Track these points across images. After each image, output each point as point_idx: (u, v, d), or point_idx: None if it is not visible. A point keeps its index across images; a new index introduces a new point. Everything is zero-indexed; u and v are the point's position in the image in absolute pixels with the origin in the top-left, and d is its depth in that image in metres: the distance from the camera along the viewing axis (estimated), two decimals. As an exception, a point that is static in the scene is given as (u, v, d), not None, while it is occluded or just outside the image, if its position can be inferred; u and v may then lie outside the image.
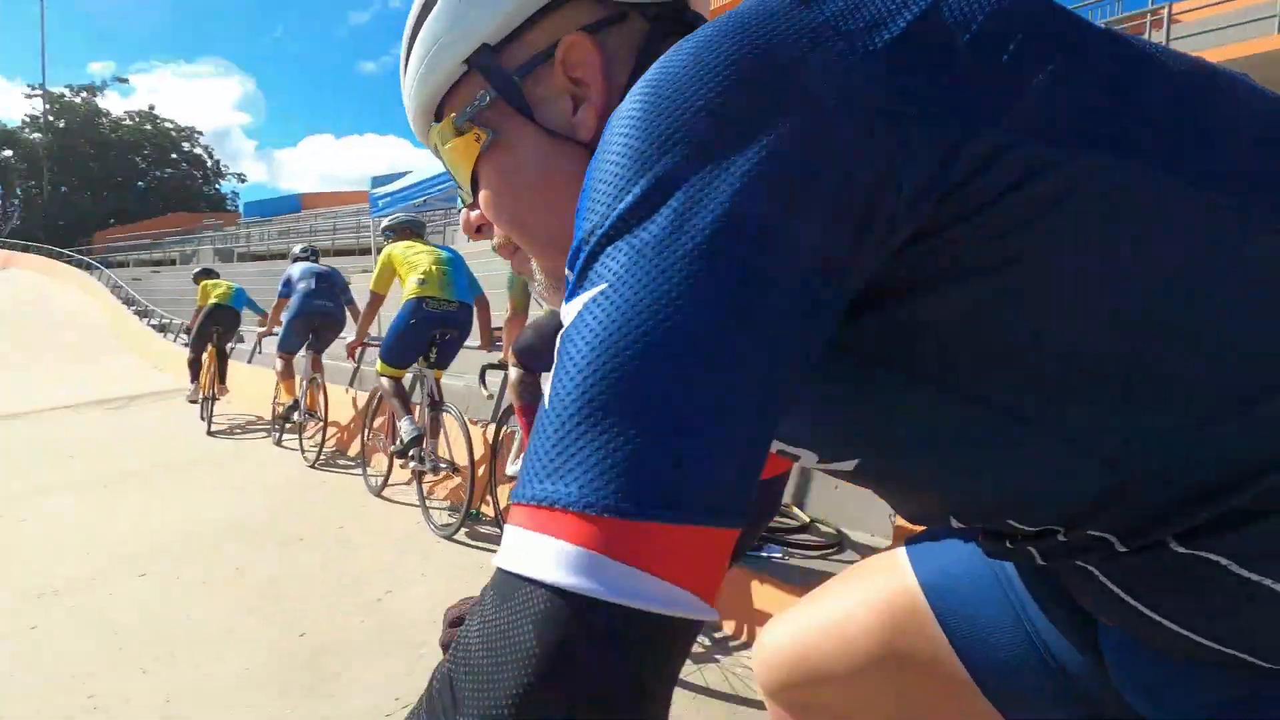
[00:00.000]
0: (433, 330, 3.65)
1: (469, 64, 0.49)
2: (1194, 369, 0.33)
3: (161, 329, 15.76)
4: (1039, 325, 0.33)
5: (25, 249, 30.97)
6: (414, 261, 3.74)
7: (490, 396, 3.20)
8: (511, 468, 2.93)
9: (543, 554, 0.28)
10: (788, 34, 0.32)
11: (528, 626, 0.27)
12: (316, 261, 6.09)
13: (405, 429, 3.62)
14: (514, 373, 2.82)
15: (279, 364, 5.54)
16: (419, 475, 3.86)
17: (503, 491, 3.57)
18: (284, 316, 5.45)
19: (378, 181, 30.64)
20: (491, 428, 3.60)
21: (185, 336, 8.16)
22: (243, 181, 61.58)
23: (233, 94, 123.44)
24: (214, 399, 6.81)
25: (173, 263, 30.21)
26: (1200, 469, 0.34)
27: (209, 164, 57.67)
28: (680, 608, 0.28)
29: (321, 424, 5.33)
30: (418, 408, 3.79)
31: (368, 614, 2.80)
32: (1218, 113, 0.35)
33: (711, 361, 0.28)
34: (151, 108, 57.03)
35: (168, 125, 55.24)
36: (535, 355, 2.78)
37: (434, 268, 3.72)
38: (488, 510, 3.74)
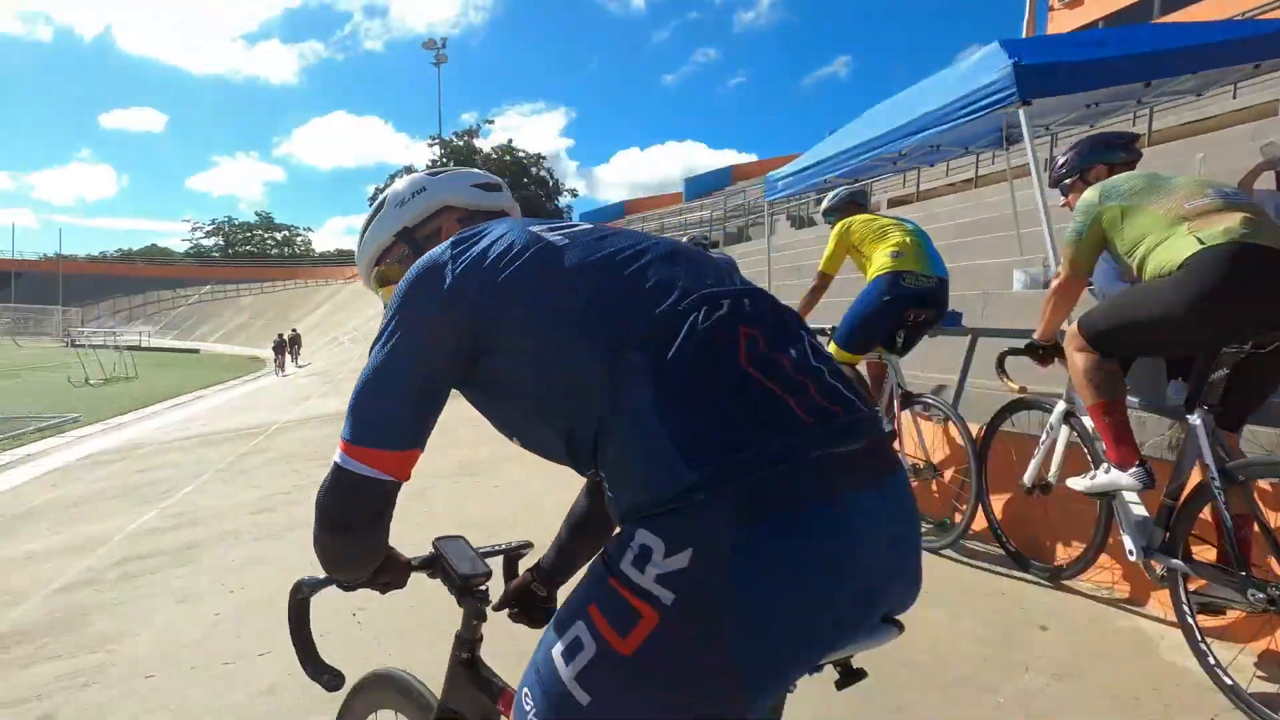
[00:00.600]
0: (907, 310, 3.20)
1: (396, 237, 1.14)
2: (567, 404, 0.79)
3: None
4: (516, 376, 0.83)
5: (432, 264, 39.43)
6: (882, 234, 3.33)
7: (1022, 390, 2.62)
8: (1081, 482, 2.32)
9: (337, 453, 0.84)
10: (438, 259, 0.86)
11: (330, 474, 0.85)
12: (711, 250, 6.17)
13: (873, 423, 3.23)
14: (1082, 359, 2.19)
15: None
16: (878, 474, 3.46)
17: (997, 503, 2.96)
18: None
19: (691, 182, 32.03)
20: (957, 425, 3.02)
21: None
22: (575, 196, 70.82)
23: (558, 124, 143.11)
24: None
25: (529, 269, 35.70)
26: (586, 441, 0.77)
27: (550, 184, 67.38)
28: (366, 471, 0.82)
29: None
30: (885, 400, 3.38)
31: (887, 634, 2.43)
32: (592, 283, 0.81)
33: (380, 388, 0.83)
34: (510, 141, 68.48)
35: (521, 155, 65.94)
36: (1116, 337, 2.12)
37: (908, 239, 3.27)
38: (959, 518, 3.18)
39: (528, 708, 0.74)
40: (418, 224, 1.12)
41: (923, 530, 3.22)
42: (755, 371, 0.73)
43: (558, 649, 0.72)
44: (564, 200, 68.57)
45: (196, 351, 39.36)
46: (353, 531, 0.88)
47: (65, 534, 5.36)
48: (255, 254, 70.03)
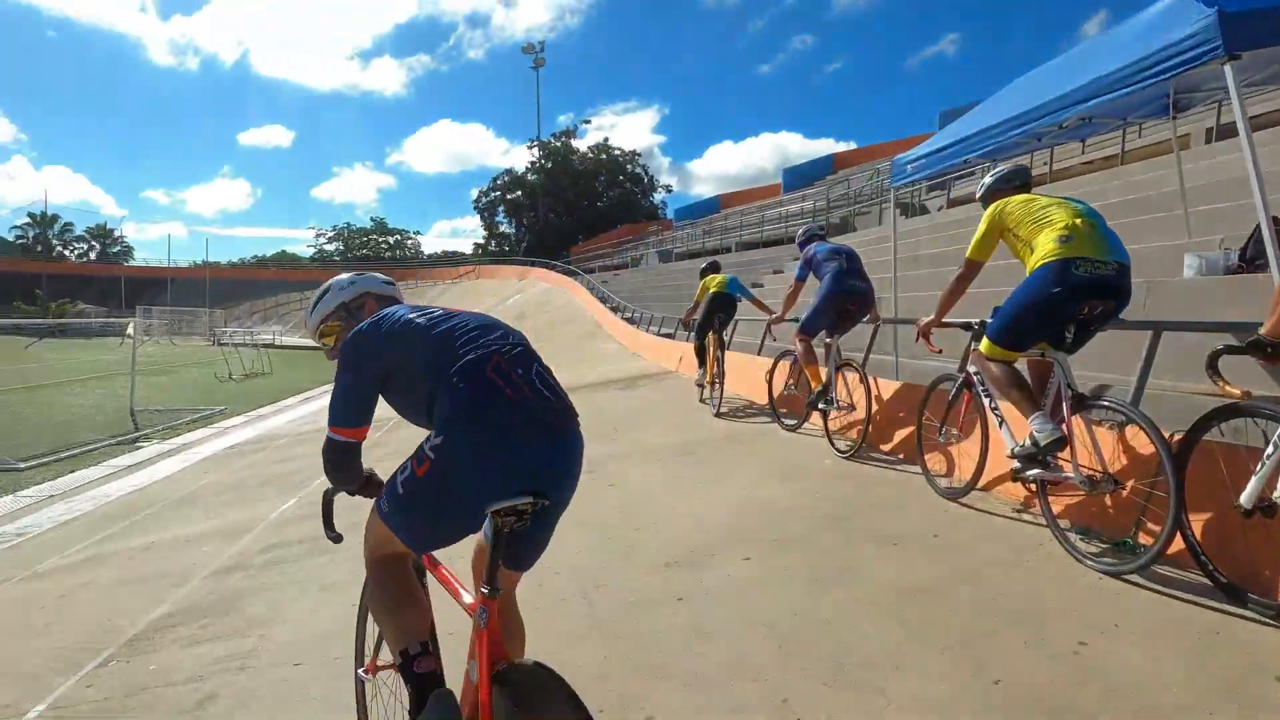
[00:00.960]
0: (1081, 302, 2.83)
1: (338, 307, 2.05)
2: (422, 395, 1.63)
3: (631, 321, 18.47)
4: (402, 388, 1.69)
5: (532, 263, 40.59)
6: (1044, 217, 2.96)
7: (1245, 394, 2.22)
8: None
9: (326, 429, 1.71)
10: (365, 329, 1.71)
11: (325, 440, 1.72)
12: (826, 240, 5.84)
13: (1040, 430, 2.87)
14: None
15: (799, 347, 5.41)
16: (1042, 487, 3.10)
17: (1197, 522, 2.55)
18: (814, 297, 5.28)
19: (790, 172, 30.90)
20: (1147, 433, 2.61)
21: (685, 330, 8.87)
22: (669, 192, 71.37)
23: (650, 121, 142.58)
24: (719, 383, 7.21)
25: (625, 266, 35.91)
26: (431, 413, 1.60)
27: (645, 180, 67.76)
28: (339, 439, 1.70)
29: (852, 411, 5.02)
30: (1050, 402, 3.02)
31: (1067, 669, 2.12)
32: (436, 343, 1.65)
33: (341, 398, 1.67)
34: (606, 140, 69.50)
35: (616, 153, 66.87)
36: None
37: (1079, 221, 2.89)
38: (1145, 538, 2.78)
39: (381, 497, 1.66)
40: (350, 301, 2.06)
41: (1098, 550, 2.86)
42: (493, 377, 1.54)
43: (398, 471, 1.60)
44: (658, 196, 69.10)
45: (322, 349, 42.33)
46: (338, 467, 1.74)
47: (217, 520, 5.79)
48: (371, 257, 74.66)
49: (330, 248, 79.72)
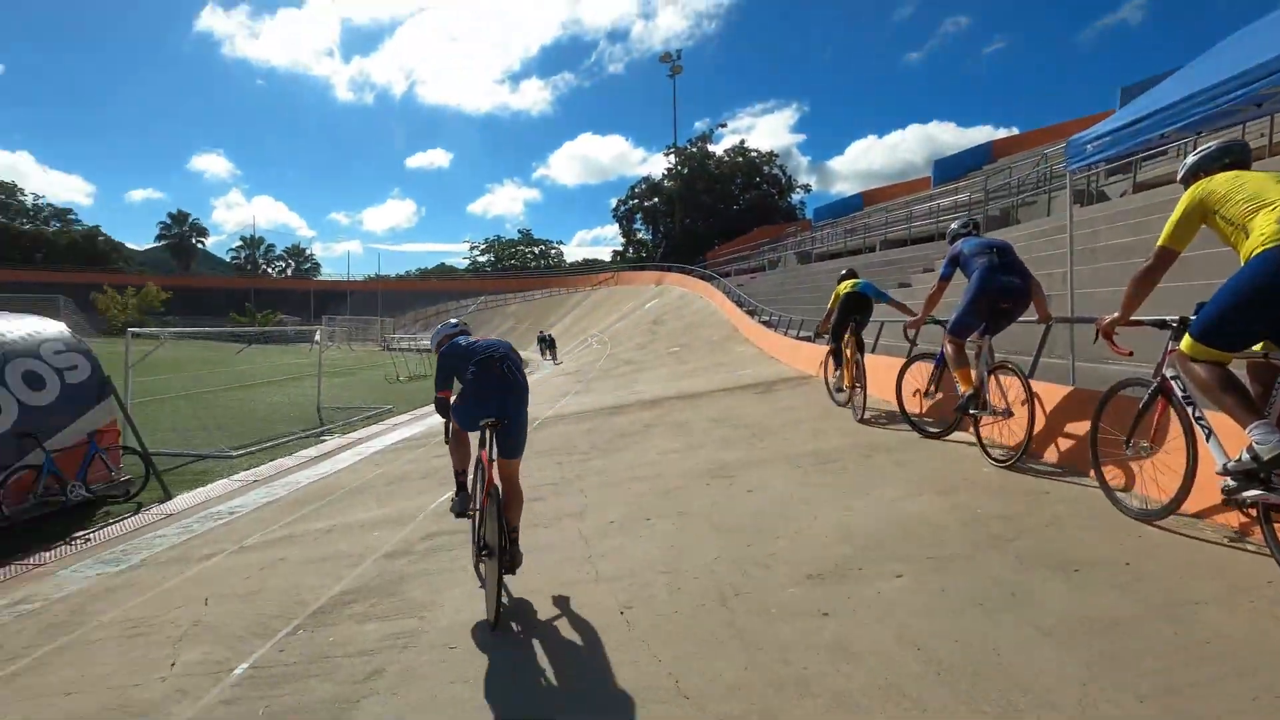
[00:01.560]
0: (1313, 293, 2.37)
1: (445, 338, 4.16)
2: (464, 376, 3.94)
3: (768, 324, 18.07)
4: (461, 378, 4.01)
5: (668, 269, 41.07)
6: (1261, 196, 2.52)
7: None
8: None
9: (435, 393, 4.15)
10: (445, 351, 3.98)
11: (434, 398, 4.18)
12: (979, 234, 5.36)
13: (1262, 443, 2.43)
14: None
15: (949, 350, 5.00)
16: (1264, 512, 2.62)
17: None
18: (963, 296, 4.86)
19: (942, 164, 28.70)
20: None
21: (820, 339, 8.50)
22: (807, 192, 69.42)
23: (789, 120, 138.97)
24: (862, 388, 6.84)
25: (762, 269, 35.28)
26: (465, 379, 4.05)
27: (783, 181, 66.40)
28: (438, 396, 4.05)
29: (1007, 417, 4.55)
30: (1274, 412, 2.55)
31: (1317, 738, 1.76)
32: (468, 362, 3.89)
33: (438, 378, 4.00)
34: (742, 142, 69.08)
35: (753, 155, 66.18)
36: None
37: (1310, 201, 2.42)
38: None
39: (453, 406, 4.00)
40: (443, 337, 4.11)
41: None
42: (487, 368, 3.72)
43: (456, 397, 3.93)
44: (796, 196, 67.54)
45: (474, 353, 45.49)
46: (440, 409, 4.04)
47: (387, 508, 6.36)
48: (519, 267, 79.30)
49: (483, 259, 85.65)
